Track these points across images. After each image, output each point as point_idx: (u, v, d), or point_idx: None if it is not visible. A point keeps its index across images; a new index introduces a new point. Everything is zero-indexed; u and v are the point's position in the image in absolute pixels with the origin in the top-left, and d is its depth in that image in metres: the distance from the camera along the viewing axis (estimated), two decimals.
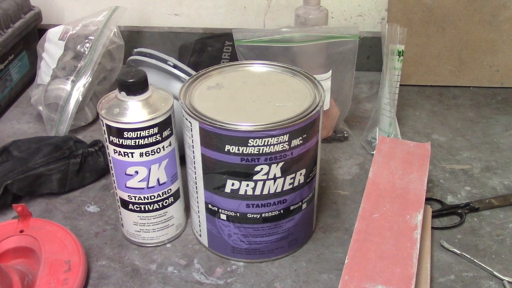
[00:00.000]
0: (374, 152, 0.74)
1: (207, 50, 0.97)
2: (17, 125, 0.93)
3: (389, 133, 0.84)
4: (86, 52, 0.89)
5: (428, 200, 0.73)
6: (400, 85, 0.83)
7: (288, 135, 0.56)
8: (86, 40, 0.90)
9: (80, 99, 0.87)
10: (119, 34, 0.96)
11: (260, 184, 0.59)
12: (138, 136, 0.59)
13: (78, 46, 0.90)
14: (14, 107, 0.99)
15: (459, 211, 0.72)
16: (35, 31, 1.05)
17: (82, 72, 0.88)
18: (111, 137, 0.60)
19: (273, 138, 0.56)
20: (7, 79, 0.97)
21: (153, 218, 0.65)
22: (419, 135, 0.89)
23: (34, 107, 0.91)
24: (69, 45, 0.91)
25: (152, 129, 0.59)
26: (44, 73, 0.91)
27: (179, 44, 1.05)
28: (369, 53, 1.08)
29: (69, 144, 0.77)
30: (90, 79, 0.88)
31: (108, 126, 0.60)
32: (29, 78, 1.03)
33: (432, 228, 0.69)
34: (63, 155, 0.75)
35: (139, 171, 0.62)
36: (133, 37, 1.10)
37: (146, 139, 0.59)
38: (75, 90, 0.87)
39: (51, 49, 0.92)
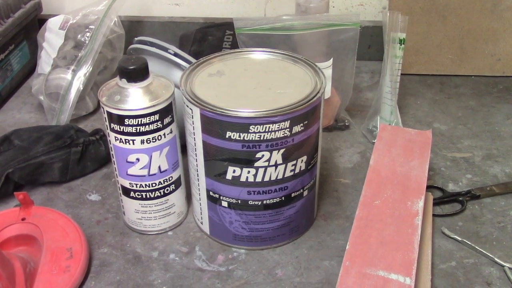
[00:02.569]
0: (375, 141, 0.74)
1: (208, 40, 0.97)
2: (18, 115, 0.93)
3: (390, 122, 0.84)
4: (87, 42, 0.89)
5: (429, 187, 0.73)
6: (401, 74, 0.83)
7: (289, 121, 0.56)
8: (87, 30, 0.90)
9: (81, 88, 0.87)
10: (120, 24, 0.96)
11: (261, 171, 0.59)
12: (139, 123, 0.59)
13: (79, 36, 0.90)
14: (15, 97, 0.99)
15: (460, 198, 0.72)
16: (35, 21, 1.05)
17: (83, 61, 0.88)
18: (112, 124, 0.60)
19: (274, 125, 0.56)
20: (7, 69, 0.96)
21: (155, 206, 0.66)
22: (420, 123, 0.89)
23: (35, 96, 0.91)
24: (69, 34, 0.91)
25: (153, 116, 0.59)
26: (45, 62, 0.91)
27: (180, 33, 1.04)
28: (370, 42, 1.08)
29: (70, 133, 0.77)
30: (91, 68, 0.88)
31: (109, 113, 0.60)
32: (30, 68, 1.03)
33: (433, 215, 0.69)
34: (64, 144, 0.75)
35: (140, 159, 0.62)
36: (133, 27, 1.10)
37: (147, 126, 0.59)
38: (76, 80, 0.87)
39: (52, 38, 0.92)
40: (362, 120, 0.88)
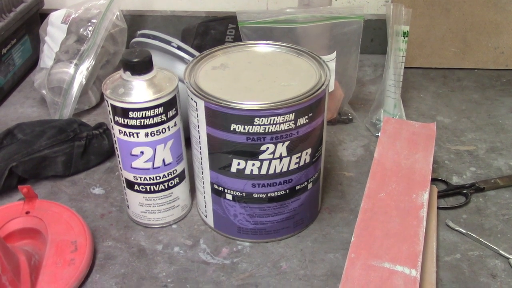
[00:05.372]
0: (378, 134, 0.74)
1: (210, 33, 0.97)
2: (21, 109, 0.93)
3: (394, 115, 0.83)
4: (89, 36, 0.89)
5: (434, 180, 0.73)
6: (405, 67, 0.82)
7: (294, 113, 0.56)
8: (89, 24, 0.90)
9: (84, 82, 0.87)
10: (122, 18, 0.95)
11: (266, 163, 0.59)
12: (143, 116, 0.59)
13: (81, 30, 0.90)
14: (18, 92, 0.98)
15: (465, 191, 0.72)
16: (37, 15, 1.05)
17: (85, 55, 0.88)
18: (116, 117, 0.60)
19: (279, 117, 0.56)
20: (10, 64, 0.96)
21: (159, 199, 0.65)
22: (423, 117, 0.89)
23: (37, 91, 0.91)
24: (71, 28, 0.90)
25: (157, 109, 0.59)
26: (47, 56, 0.90)
27: (182, 27, 1.04)
28: (373, 35, 1.07)
29: (73, 126, 0.77)
30: (93, 62, 0.88)
31: (113, 106, 0.59)
32: (32, 63, 1.03)
33: (438, 208, 0.69)
34: (67, 137, 0.75)
35: (145, 152, 0.61)
36: (135, 21, 1.09)
37: (151, 119, 0.59)
38: (79, 74, 0.87)
39: (54, 32, 0.92)
40: (366, 114, 0.88)
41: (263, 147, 0.58)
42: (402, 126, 0.74)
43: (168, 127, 0.61)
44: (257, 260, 0.63)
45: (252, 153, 0.58)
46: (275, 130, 0.56)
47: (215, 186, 0.62)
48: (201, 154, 0.62)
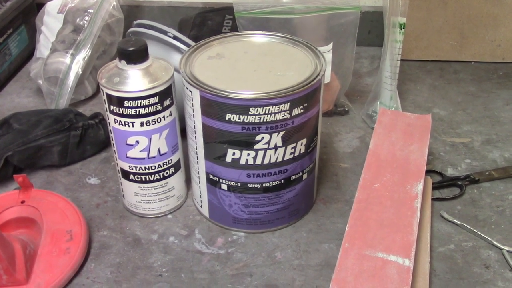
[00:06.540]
0: (374, 126, 0.74)
1: (207, 24, 0.97)
2: (17, 99, 0.93)
3: (390, 107, 0.83)
4: (85, 25, 0.89)
5: (429, 172, 0.73)
6: (401, 59, 0.82)
7: (289, 103, 0.56)
8: (85, 13, 0.90)
9: (80, 72, 0.86)
10: (119, 8, 0.95)
11: (261, 153, 0.59)
12: (139, 105, 0.59)
13: (77, 19, 0.89)
14: (14, 82, 0.98)
15: (459, 183, 0.72)
16: (34, 5, 1.04)
17: (82, 45, 0.87)
18: (111, 106, 0.60)
19: (274, 107, 0.56)
20: (6, 53, 0.96)
21: (154, 189, 0.66)
22: (420, 109, 0.89)
23: (33, 81, 0.91)
24: (68, 18, 0.90)
25: (152, 98, 0.59)
26: (43, 46, 0.90)
27: (179, 18, 1.04)
28: (370, 27, 1.07)
29: (69, 116, 0.77)
30: (90, 52, 0.87)
31: (108, 95, 0.59)
32: (28, 53, 1.03)
33: (432, 199, 0.69)
34: (63, 127, 0.75)
35: (140, 141, 0.61)
36: (132, 12, 1.09)
37: (146, 108, 0.59)
38: (75, 64, 0.86)
39: (50, 22, 0.91)
40: (362, 105, 0.88)
41: (258, 137, 0.58)
42: (398, 118, 0.74)
43: (164, 117, 0.61)
44: (252, 250, 0.63)
45: (247, 143, 0.58)
46: (270, 120, 0.56)
47: (210, 176, 0.63)
48: (196, 144, 0.62)
